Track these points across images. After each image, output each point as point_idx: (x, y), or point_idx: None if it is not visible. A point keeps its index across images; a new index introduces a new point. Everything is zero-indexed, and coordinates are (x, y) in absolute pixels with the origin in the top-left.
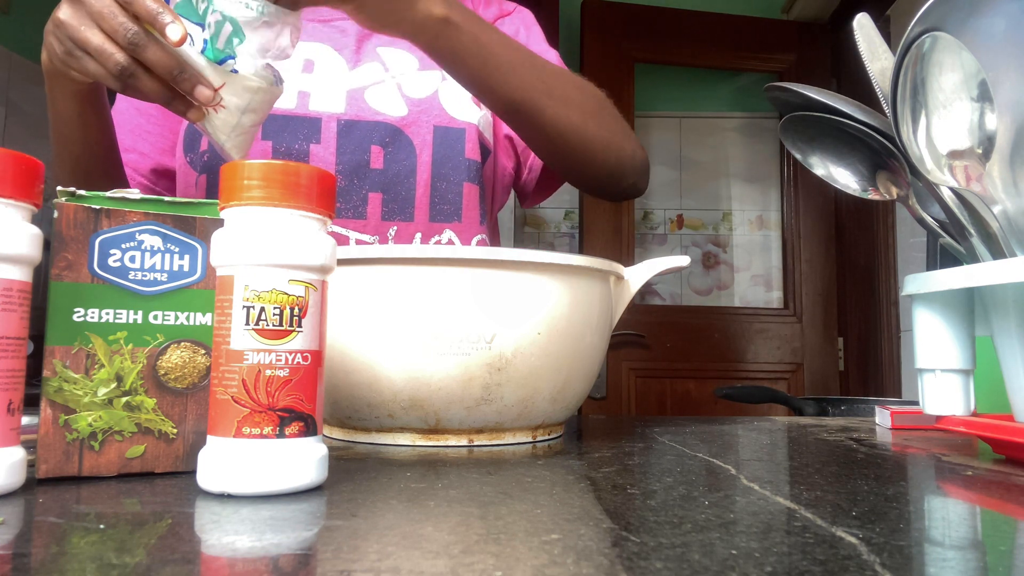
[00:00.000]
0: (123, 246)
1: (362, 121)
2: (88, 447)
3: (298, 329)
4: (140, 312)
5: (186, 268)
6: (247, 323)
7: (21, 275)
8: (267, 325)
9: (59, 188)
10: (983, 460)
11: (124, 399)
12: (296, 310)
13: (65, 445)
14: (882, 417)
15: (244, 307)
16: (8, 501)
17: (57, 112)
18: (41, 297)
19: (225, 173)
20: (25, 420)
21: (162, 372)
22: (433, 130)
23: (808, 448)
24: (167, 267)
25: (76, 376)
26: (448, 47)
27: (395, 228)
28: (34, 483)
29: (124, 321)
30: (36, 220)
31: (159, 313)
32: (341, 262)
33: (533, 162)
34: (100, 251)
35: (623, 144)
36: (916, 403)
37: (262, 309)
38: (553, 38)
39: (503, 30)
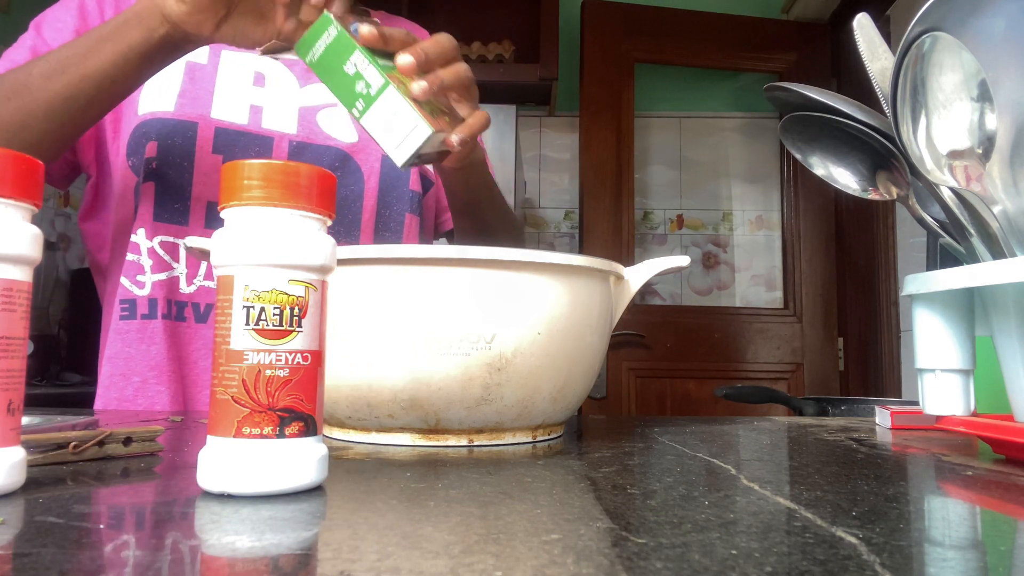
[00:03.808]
0: None
1: (313, 144)
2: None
3: (298, 329)
4: None
5: None
6: (247, 323)
7: (21, 275)
8: (267, 325)
9: None
10: (983, 460)
11: None
12: (296, 310)
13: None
14: (882, 417)
15: (244, 307)
16: (8, 501)
17: (123, 64)
18: (41, 297)
19: (225, 173)
20: (25, 420)
21: None
22: (381, 159)
23: (808, 448)
24: None
25: None
26: (474, 179)
27: None
28: (34, 483)
29: None
30: (36, 220)
31: None
32: (341, 262)
33: (446, 220)
34: None
35: (520, 232)
36: (916, 403)
37: (262, 309)
38: (553, 38)
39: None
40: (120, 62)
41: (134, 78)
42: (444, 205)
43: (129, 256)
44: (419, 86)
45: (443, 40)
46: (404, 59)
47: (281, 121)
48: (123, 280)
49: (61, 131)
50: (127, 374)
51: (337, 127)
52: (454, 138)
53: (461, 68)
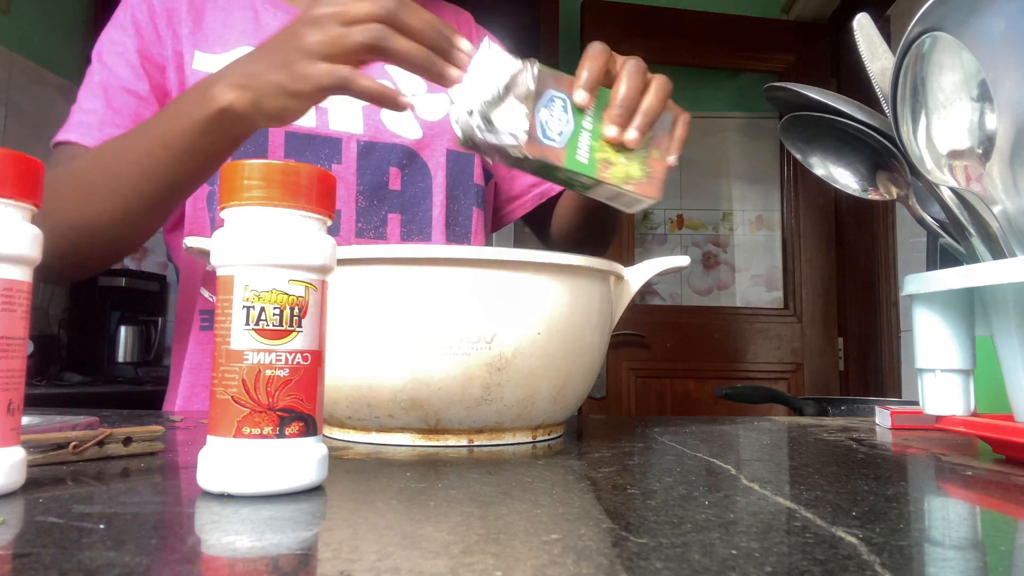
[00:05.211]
0: None
1: (380, 143)
2: None
3: (298, 329)
4: None
5: None
6: (247, 323)
7: (21, 275)
8: (267, 325)
9: None
10: (983, 460)
11: None
12: (296, 310)
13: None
14: (882, 417)
15: (244, 307)
16: (8, 501)
17: (199, 163)
18: (41, 297)
19: (225, 173)
20: (25, 420)
21: None
22: (447, 153)
23: (808, 448)
24: None
25: None
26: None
27: None
28: (34, 483)
29: None
30: (37, 220)
31: None
32: (341, 262)
33: (515, 208)
34: None
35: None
36: (916, 403)
37: (262, 309)
38: (553, 38)
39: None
40: (207, 167)
41: (217, 170)
42: (506, 197)
43: (209, 266)
44: (631, 136)
45: (634, 80)
46: (610, 131)
47: (347, 121)
48: (203, 291)
49: (162, 216)
50: (208, 385)
51: (401, 124)
52: (671, 159)
53: (655, 101)
